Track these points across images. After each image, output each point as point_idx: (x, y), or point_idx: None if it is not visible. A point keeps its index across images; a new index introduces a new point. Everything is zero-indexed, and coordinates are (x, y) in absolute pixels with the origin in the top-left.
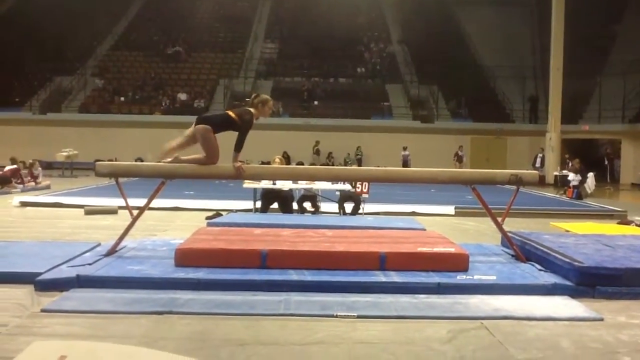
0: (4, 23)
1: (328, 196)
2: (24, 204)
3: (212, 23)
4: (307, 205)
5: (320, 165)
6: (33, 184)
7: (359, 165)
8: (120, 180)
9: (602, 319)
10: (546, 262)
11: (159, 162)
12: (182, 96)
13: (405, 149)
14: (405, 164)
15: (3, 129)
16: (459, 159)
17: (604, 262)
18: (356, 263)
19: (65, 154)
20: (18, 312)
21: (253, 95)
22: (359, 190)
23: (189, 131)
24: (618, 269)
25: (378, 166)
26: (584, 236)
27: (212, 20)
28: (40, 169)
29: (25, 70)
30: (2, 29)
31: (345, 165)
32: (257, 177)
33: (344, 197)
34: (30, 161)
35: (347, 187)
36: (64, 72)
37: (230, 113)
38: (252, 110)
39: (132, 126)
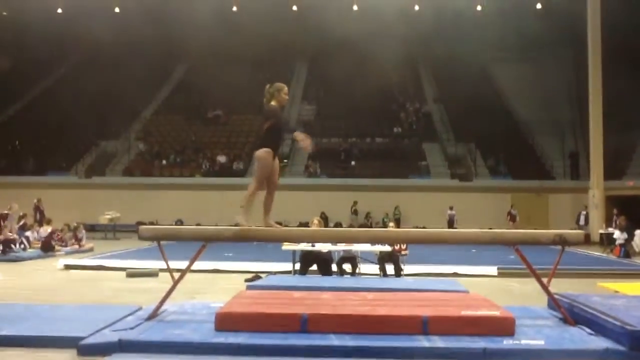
0: (51, 91)
1: (367, 257)
2: (68, 267)
3: (250, 86)
4: (347, 266)
5: (359, 225)
6: (77, 246)
7: (398, 225)
8: (162, 242)
9: None
10: (596, 325)
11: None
12: (222, 158)
13: (451, 208)
14: (451, 223)
15: (50, 192)
16: (512, 218)
17: None
18: (398, 327)
19: (108, 216)
20: None
21: (267, 86)
22: (397, 247)
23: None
24: None
25: (417, 226)
26: (635, 297)
27: (251, 83)
28: (84, 231)
29: (71, 135)
30: (51, 96)
31: (384, 225)
32: (296, 240)
33: (384, 257)
34: (75, 224)
35: (386, 248)
36: (109, 136)
37: (264, 124)
38: (272, 103)
39: (172, 188)
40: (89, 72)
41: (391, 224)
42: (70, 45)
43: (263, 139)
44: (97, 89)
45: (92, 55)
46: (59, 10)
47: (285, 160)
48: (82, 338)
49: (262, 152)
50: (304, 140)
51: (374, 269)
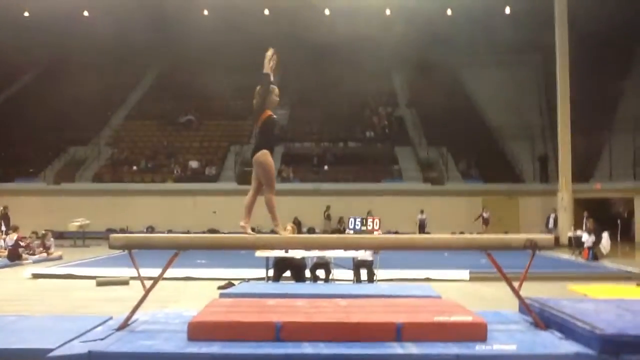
0: (19, 96)
1: (341, 263)
2: (36, 276)
3: (222, 92)
4: (321, 273)
5: (332, 230)
6: (45, 254)
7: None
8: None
9: None
10: (566, 329)
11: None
12: (194, 164)
13: (422, 212)
14: (422, 227)
15: (18, 199)
16: (484, 221)
17: (626, 328)
18: (372, 334)
19: (77, 223)
20: None
21: (258, 88)
22: (370, 228)
23: (253, 175)
24: None
25: (390, 230)
26: (605, 301)
27: (223, 88)
28: (52, 239)
29: (40, 141)
30: (20, 102)
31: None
32: (269, 247)
33: (358, 263)
34: (43, 232)
35: (360, 254)
36: (79, 142)
37: (256, 126)
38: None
39: (144, 194)
40: (57, 77)
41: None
42: (39, 50)
43: (258, 140)
44: (66, 94)
45: (61, 60)
46: (26, 14)
47: None
48: (51, 350)
49: (262, 156)
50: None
51: (348, 274)
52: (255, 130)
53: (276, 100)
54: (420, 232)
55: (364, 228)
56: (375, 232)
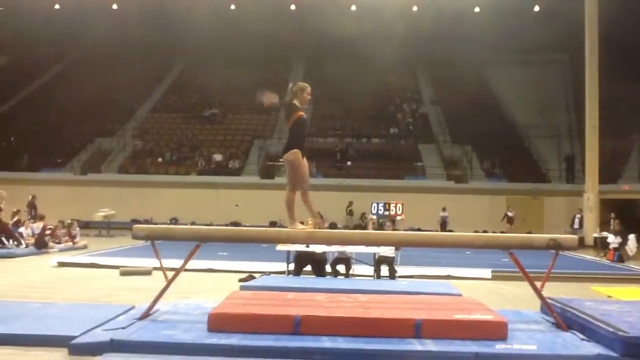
0: (48, 87)
1: (362, 259)
2: (61, 264)
3: (247, 86)
4: (341, 268)
5: (354, 226)
6: (71, 243)
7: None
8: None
9: None
10: (589, 330)
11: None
12: (218, 157)
13: (444, 209)
14: (444, 225)
15: (45, 188)
16: (509, 220)
17: None
18: (391, 330)
19: (102, 213)
20: None
21: (290, 85)
22: (393, 212)
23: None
24: None
25: (412, 227)
26: (628, 303)
27: (248, 83)
28: (78, 229)
29: (67, 132)
30: (48, 93)
31: (379, 225)
32: (290, 241)
33: (379, 259)
34: (69, 221)
35: (381, 249)
36: (105, 133)
37: (288, 125)
38: (294, 102)
39: (168, 186)
40: (85, 69)
41: (387, 223)
42: (68, 42)
43: (289, 140)
44: (93, 86)
45: (89, 52)
46: (57, 7)
47: (280, 160)
48: (74, 337)
49: (291, 155)
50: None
51: (368, 270)
52: (293, 120)
53: (307, 99)
54: (442, 230)
55: (387, 213)
56: (398, 217)
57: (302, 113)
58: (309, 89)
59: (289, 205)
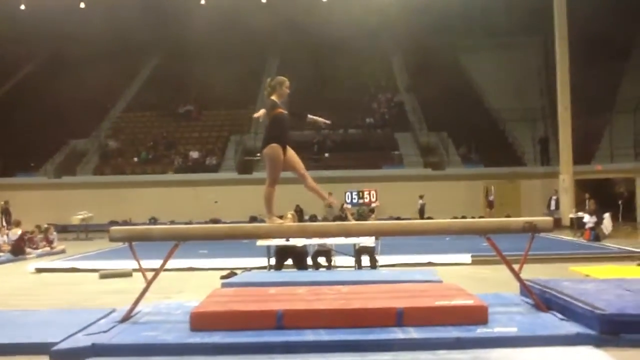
0: (17, 90)
1: (343, 250)
2: (39, 270)
3: (221, 81)
4: (322, 260)
5: (333, 217)
6: (48, 248)
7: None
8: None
9: None
10: (567, 310)
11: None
12: (194, 154)
13: (421, 197)
14: (422, 212)
15: (20, 193)
16: (490, 205)
17: (626, 308)
18: (373, 320)
19: (80, 216)
20: None
21: (269, 80)
22: (367, 200)
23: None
24: None
25: (391, 216)
26: (605, 281)
27: (222, 78)
28: (55, 233)
29: (40, 134)
30: (18, 95)
31: (359, 216)
32: (270, 236)
33: (360, 250)
34: (46, 226)
35: (361, 240)
36: (79, 135)
37: (267, 119)
38: (272, 98)
39: (145, 186)
40: (55, 69)
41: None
42: (36, 42)
43: (267, 134)
44: (65, 87)
45: (58, 52)
46: (22, 7)
47: (258, 155)
48: (55, 343)
49: (269, 149)
50: (318, 121)
51: (349, 261)
52: (272, 115)
53: (286, 92)
54: (420, 218)
55: (361, 201)
56: (373, 204)
57: (280, 110)
58: (287, 82)
59: (267, 199)
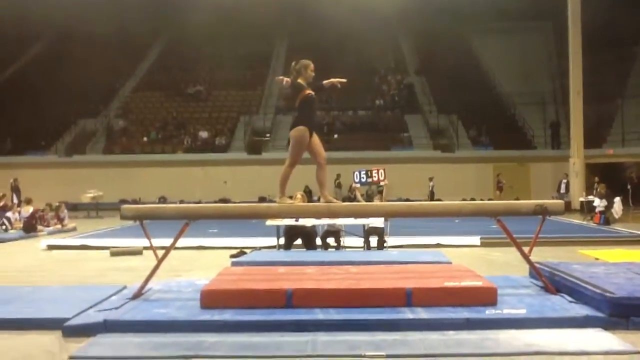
0: (28, 69)
1: (352, 230)
2: (51, 247)
3: (231, 62)
4: (331, 240)
5: (343, 198)
6: (59, 226)
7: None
8: (145, 220)
9: (638, 352)
10: (577, 293)
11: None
12: (204, 134)
13: (431, 179)
14: (432, 194)
15: (30, 172)
16: (499, 188)
17: (636, 291)
18: (382, 300)
19: (90, 195)
20: (46, 359)
21: (293, 64)
22: (375, 179)
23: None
24: None
25: (400, 197)
26: (615, 265)
27: (231, 59)
28: (66, 211)
29: (50, 114)
30: (27, 75)
31: (369, 197)
32: (279, 216)
33: (369, 230)
34: (57, 204)
35: (370, 221)
36: (88, 114)
37: (295, 102)
38: (299, 80)
39: (155, 165)
40: (65, 49)
41: (377, 196)
42: (45, 22)
43: (296, 117)
44: (74, 67)
45: (67, 31)
46: None
47: (267, 135)
48: (67, 319)
49: (295, 131)
50: (334, 82)
51: (358, 242)
52: (300, 96)
53: (311, 75)
54: (430, 200)
55: (369, 180)
56: (382, 182)
57: (309, 91)
58: (312, 65)
59: (283, 179)
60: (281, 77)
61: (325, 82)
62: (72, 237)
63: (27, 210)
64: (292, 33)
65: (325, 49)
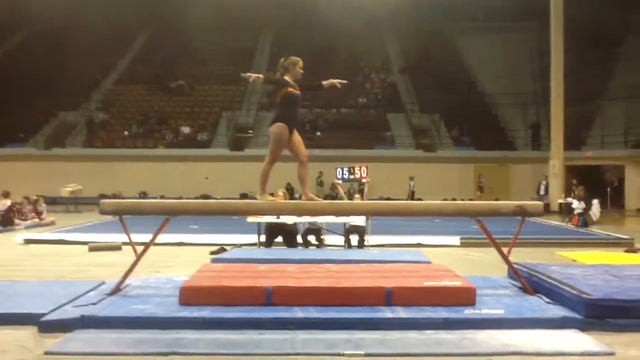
0: (9, 60)
1: (333, 229)
2: (28, 241)
3: (214, 56)
4: (312, 238)
5: (324, 196)
6: (37, 220)
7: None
8: (125, 215)
9: (613, 353)
10: (554, 294)
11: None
12: (185, 129)
13: (411, 179)
14: (412, 194)
15: (8, 164)
16: (480, 188)
17: (613, 293)
18: (362, 298)
19: (69, 189)
20: (21, 355)
21: (282, 60)
22: (358, 176)
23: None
24: (628, 301)
25: (382, 196)
26: (592, 266)
27: (215, 53)
28: (44, 205)
29: (29, 105)
30: (7, 66)
31: (349, 196)
32: (260, 213)
33: (350, 229)
34: (35, 197)
35: (352, 219)
36: (69, 107)
37: (276, 98)
38: (285, 77)
39: (135, 160)
40: (45, 40)
41: (357, 195)
42: (25, 12)
43: (276, 114)
44: (55, 58)
45: (48, 23)
46: None
47: (249, 132)
48: (44, 314)
49: (275, 128)
50: (334, 83)
51: (339, 240)
52: (281, 92)
53: (300, 72)
54: (410, 199)
55: (352, 177)
56: (364, 180)
57: (291, 89)
58: (301, 63)
59: (263, 176)
60: (248, 74)
61: (324, 82)
62: (50, 231)
63: (4, 203)
64: (277, 28)
65: (310, 46)
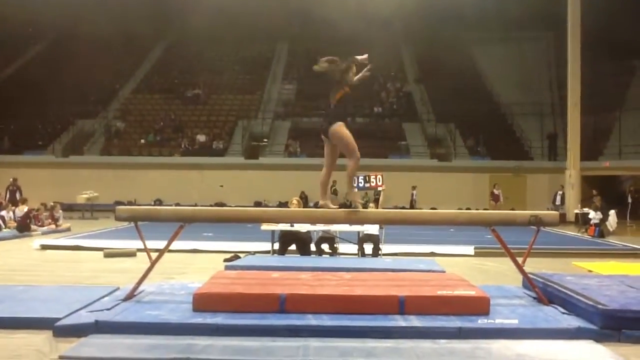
0: (28, 68)
1: (346, 237)
2: (44, 247)
3: (230, 65)
4: (325, 246)
5: (338, 205)
6: (54, 226)
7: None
8: (140, 222)
9: None
10: (569, 304)
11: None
12: (201, 137)
13: (413, 188)
14: (414, 202)
15: (27, 171)
16: (494, 198)
17: (629, 304)
18: (375, 307)
19: (85, 196)
20: (36, 358)
21: (337, 61)
22: (373, 184)
23: (326, 150)
24: None
25: (397, 205)
26: (608, 277)
27: (231, 62)
28: (61, 211)
29: (48, 113)
30: (27, 74)
31: (364, 205)
32: (274, 221)
33: (363, 238)
34: (52, 204)
35: (365, 228)
36: (87, 115)
37: (334, 97)
38: (346, 75)
39: (151, 168)
40: (65, 49)
41: (371, 204)
42: (47, 22)
43: (334, 114)
44: (74, 67)
45: (69, 32)
46: None
47: (265, 140)
48: (58, 319)
49: (339, 127)
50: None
51: (353, 248)
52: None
53: (353, 78)
54: (410, 208)
55: (367, 185)
56: (379, 188)
57: (349, 90)
58: (354, 68)
59: (351, 176)
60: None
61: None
62: (66, 237)
63: (22, 209)
64: (293, 37)
65: (325, 54)
